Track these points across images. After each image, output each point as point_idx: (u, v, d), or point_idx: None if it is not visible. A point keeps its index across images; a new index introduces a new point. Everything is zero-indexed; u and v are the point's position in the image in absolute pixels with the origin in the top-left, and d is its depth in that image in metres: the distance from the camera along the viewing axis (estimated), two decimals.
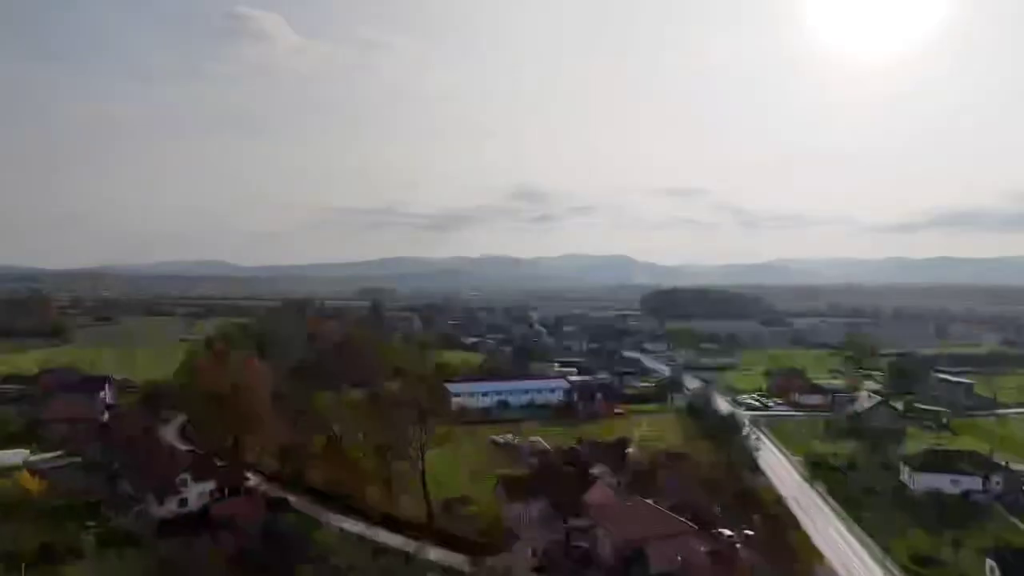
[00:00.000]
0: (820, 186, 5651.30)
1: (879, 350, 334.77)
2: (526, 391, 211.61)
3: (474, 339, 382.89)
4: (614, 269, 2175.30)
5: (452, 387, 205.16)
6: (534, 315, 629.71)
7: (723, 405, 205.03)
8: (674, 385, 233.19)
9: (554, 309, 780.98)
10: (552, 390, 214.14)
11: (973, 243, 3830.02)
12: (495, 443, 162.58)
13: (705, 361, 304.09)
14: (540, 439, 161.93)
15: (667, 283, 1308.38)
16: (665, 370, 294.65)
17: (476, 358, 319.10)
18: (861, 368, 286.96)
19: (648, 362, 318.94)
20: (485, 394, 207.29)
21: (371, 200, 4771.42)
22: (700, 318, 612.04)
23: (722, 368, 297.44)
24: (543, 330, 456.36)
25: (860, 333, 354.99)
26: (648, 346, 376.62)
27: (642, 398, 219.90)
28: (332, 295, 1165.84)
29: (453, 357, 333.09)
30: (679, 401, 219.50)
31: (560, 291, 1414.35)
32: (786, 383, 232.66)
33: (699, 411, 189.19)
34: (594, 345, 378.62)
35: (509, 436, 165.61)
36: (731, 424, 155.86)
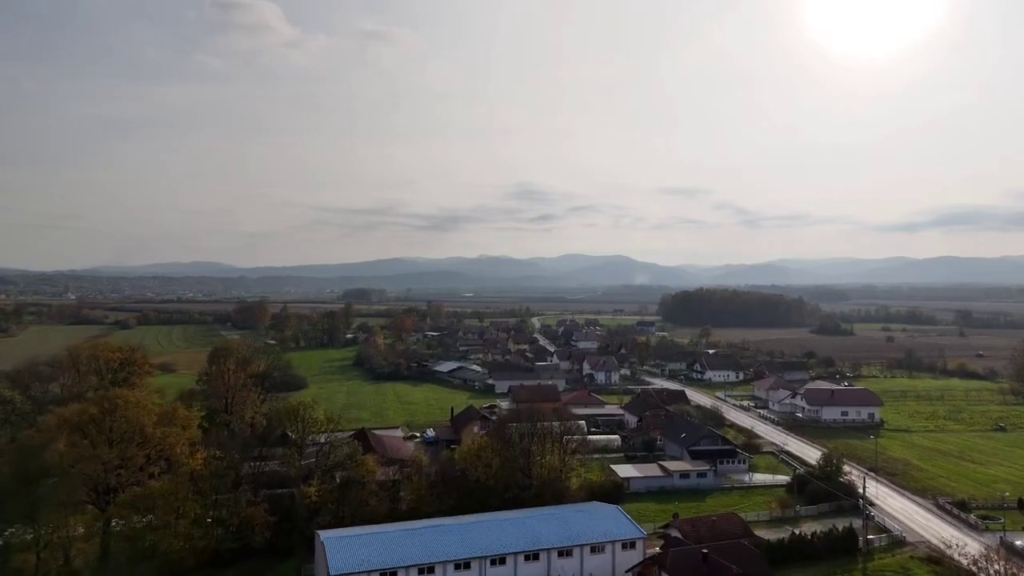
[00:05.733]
0: (822, 185, 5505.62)
1: None
2: (533, 553, 79.68)
3: (452, 364, 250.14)
4: (614, 269, 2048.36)
5: (344, 550, 73.67)
6: (536, 323, 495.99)
7: None
8: (853, 509, 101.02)
9: (555, 311, 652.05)
10: (596, 547, 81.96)
11: (976, 242, 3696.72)
12: None
13: (830, 416, 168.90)
14: None
15: (667, 284, 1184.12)
16: (768, 432, 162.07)
17: (447, 399, 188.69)
18: None
19: (733, 413, 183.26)
20: (431, 571, 75.37)
21: (370, 200, 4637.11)
22: (732, 324, 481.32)
23: (863, 427, 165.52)
24: (549, 347, 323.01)
25: None
26: (711, 375, 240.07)
27: (791, 552, 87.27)
28: (323, 296, 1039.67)
29: (412, 396, 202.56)
30: (876, 552, 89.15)
31: (560, 291, 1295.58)
32: None
33: None
34: (625, 371, 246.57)
35: None
36: None
